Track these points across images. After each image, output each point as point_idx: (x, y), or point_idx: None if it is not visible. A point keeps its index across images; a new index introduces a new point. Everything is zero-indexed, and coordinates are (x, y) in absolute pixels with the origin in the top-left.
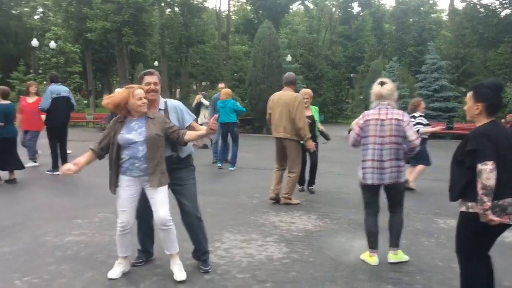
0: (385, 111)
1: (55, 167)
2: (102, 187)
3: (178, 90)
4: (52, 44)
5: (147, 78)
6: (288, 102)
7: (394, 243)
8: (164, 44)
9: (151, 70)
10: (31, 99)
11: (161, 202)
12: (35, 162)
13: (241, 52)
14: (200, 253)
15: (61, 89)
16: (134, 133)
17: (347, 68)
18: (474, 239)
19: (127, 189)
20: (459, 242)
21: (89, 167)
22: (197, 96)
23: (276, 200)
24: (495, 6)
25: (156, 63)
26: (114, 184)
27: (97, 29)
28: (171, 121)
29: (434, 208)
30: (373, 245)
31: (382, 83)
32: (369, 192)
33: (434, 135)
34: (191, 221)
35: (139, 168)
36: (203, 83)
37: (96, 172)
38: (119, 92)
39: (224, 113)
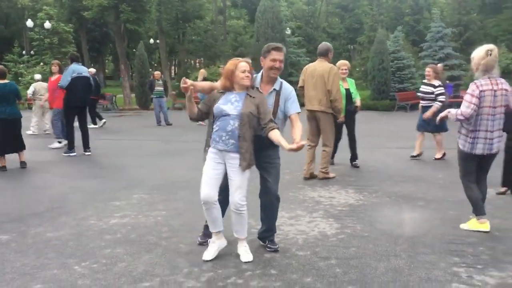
0: (495, 81)
1: (71, 148)
2: (128, 168)
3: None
4: (47, 25)
5: (275, 54)
6: (323, 73)
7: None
8: (161, 21)
9: (279, 45)
10: (53, 77)
11: (238, 186)
12: (59, 142)
13: (240, 26)
14: (271, 233)
15: (82, 69)
16: (229, 106)
17: (346, 39)
18: None
19: (212, 161)
20: None
21: (111, 148)
22: (202, 71)
23: (310, 178)
24: None
25: (151, 40)
26: (205, 154)
27: (94, 7)
28: (280, 104)
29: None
30: (482, 211)
31: (489, 52)
32: (473, 161)
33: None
34: (271, 200)
35: (224, 141)
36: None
37: (119, 153)
38: (227, 64)
39: None
